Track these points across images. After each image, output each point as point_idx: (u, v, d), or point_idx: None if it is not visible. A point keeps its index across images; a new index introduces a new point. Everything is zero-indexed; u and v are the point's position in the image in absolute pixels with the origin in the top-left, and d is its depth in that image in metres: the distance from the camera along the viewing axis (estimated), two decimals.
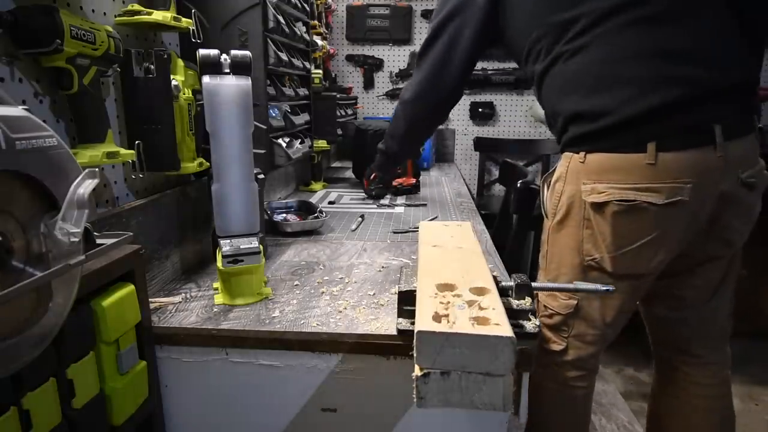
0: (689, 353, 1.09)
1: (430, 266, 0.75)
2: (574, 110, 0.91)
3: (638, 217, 0.87)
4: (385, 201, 1.72)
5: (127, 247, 0.66)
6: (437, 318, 0.57)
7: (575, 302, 0.97)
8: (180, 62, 0.93)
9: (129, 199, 0.90)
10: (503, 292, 0.71)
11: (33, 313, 0.45)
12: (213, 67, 0.81)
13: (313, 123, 1.64)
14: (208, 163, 0.99)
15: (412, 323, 0.66)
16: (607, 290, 0.72)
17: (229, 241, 0.85)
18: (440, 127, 2.82)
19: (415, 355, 0.54)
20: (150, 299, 0.77)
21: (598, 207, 0.89)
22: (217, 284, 0.91)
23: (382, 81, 2.86)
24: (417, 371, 0.54)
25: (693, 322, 1.06)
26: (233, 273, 0.84)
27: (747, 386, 2.02)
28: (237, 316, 0.81)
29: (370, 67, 2.82)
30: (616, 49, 0.86)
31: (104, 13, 0.82)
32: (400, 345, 0.73)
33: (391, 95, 2.85)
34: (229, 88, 0.81)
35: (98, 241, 0.53)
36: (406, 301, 0.73)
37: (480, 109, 2.81)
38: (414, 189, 1.85)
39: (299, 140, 1.48)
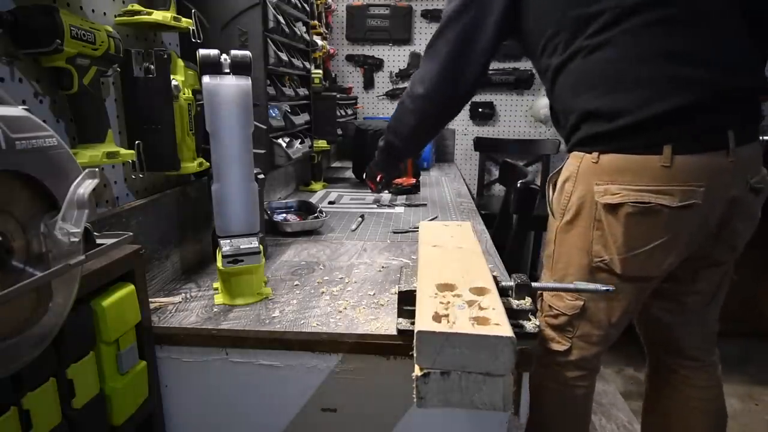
0: (686, 356, 1.09)
1: (430, 266, 0.75)
2: (589, 108, 0.89)
3: (651, 220, 0.86)
4: (385, 201, 1.72)
5: (127, 247, 0.66)
6: (437, 318, 0.57)
7: (582, 303, 0.97)
8: (180, 62, 0.93)
9: (129, 199, 0.90)
10: (503, 292, 0.71)
11: (33, 313, 0.45)
12: (213, 67, 0.81)
13: (313, 123, 1.65)
14: (208, 163, 0.99)
15: (412, 323, 0.66)
16: (608, 290, 0.72)
17: (229, 241, 0.85)
18: None
19: (415, 355, 0.54)
20: (150, 299, 0.77)
21: (611, 208, 0.88)
22: (217, 284, 0.91)
23: (382, 81, 2.86)
24: (417, 371, 0.54)
25: (691, 326, 1.07)
26: (233, 273, 0.84)
27: (747, 386, 2.02)
28: (237, 316, 0.81)
29: (370, 67, 2.82)
30: (638, 49, 0.85)
31: (104, 13, 0.82)
32: (400, 345, 0.73)
33: (391, 95, 2.85)
34: (229, 88, 0.81)
35: (98, 241, 0.53)
36: (406, 301, 0.73)
37: (480, 109, 2.81)
38: (414, 189, 1.85)
39: (299, 140, 1.48)
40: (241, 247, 0.83)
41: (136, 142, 0.86)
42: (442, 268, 0.73)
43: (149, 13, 0.85)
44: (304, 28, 1.52)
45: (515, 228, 1.50)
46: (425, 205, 1.67)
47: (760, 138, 0.92)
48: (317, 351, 0.75)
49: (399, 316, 0.74)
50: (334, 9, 2.62)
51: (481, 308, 0.59)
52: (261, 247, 0.86)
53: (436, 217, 1.49)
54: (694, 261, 0.96)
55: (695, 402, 1.09)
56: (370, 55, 2.81)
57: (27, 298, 0.44)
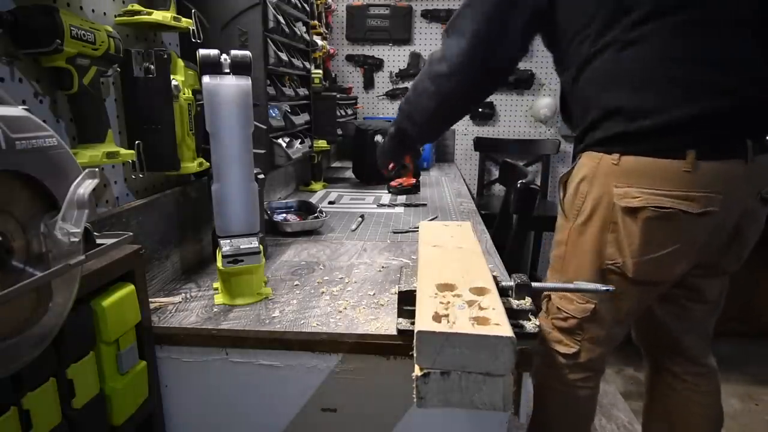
0: (689, 361, 1.09)
1: (430, 266, 0.75)
2: (615, 105, 0.87)
3: (670, 225, 0.85)
4: (385, 201, 1.72)
5: (127, 247, 0.66)
6: (437, 318, 0.57)
7: (593, 306, 0.95)
8: (180, 62, 0.93)
9: (129, 199, 0.90)
10: (503, 292, 0.71)
11: (33, 313, 0.45)
12: (213, 67, 0.81)
13: (313, 123, 1.64)
14: (208, 163, 0.99)
15: (412, 323, 0.66)
16: (608, 290, 0.72)
17: (229, 241, 0.85)
18: None
19: (415, 355, 0.54)
20: (150, 299, 0.77)
21: (630, 212, 0.86)
22: (217, 284, 0.91)
23: (382, 81, 2.86)
24: (417, 371, 0.54)
25: (693, 332, 1.07)
26: (233, 273, 0.84)
27: (747, 386, 2.02)
28: (237, 316, 0.81)
29: (370, 67, 2.82)
30: (672, 50, 0.83)
31: (104, 13, 0.82)
32: (400, 345, 0.73)
33: (391, 95, 2.85)
34: (229, 88, 0.81)
35: (98, 241, 0.53)
36: (406, 301, 0.73)
37: (480, 109, 2.81)
38: (414, 189, 1.85)
39: (299, 140, 1.48)
40: (241, 247, 0.83)
41: (136, 142, 0.86)
42: (442, 268, 0.73)
43: (149, 13, 0.85)
44: (304, 28, 1.52)
45: (515, 228, 1.50)
46: (425, 205, 1.67)
47: None
48: (317, 351, 0.75)
49: (399, 316, 0.74)
50: (334, 9, 2.62)
51: (481, 308, 0.59)
52: (261, 247, 0.86)
53: (436, 217, 1.49)
54: (702, 269, 0.95)
55: (697, 407, 1.10)
56: (370, 55, 2.81)
57: (27, 298, 0.44)
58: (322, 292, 0.91)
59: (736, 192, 0.84)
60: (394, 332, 0.74)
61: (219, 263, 0.83)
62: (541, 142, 2.80)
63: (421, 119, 1.16)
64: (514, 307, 0.71)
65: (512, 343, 0.52)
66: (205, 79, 0.81)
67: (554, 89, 2.75)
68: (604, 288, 0.72)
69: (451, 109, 1.16)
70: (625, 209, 0.87)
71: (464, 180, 2.35)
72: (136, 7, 0.85)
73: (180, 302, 0.86)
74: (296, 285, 0.95)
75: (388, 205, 1.66)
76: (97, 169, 0.48)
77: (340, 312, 0.83)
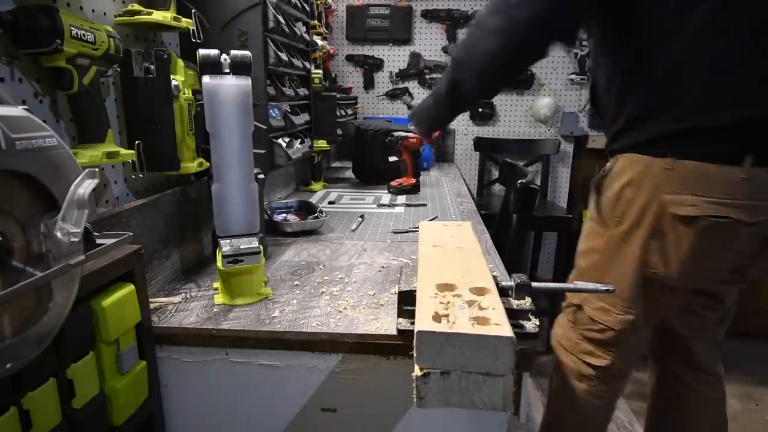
0: (700, 369, 1.08)
1: (430, 266, 0.75)
2: (667, 102, 0.81)
3: (723, 234, 0.81)
4: (385, 201, 1.72)
5: (127, 247, 0.66)
6: (437, 318, 0.57)
7: (632, 317, 0.91)
8: (180, 62, 0.93)
9: (129, 199, 0.90)
10: (503, 292, 0.71)
11: (33, 313, 0.45)
12: (213, 67, 0.81)
13: (313, 123, 1.64)
14: (208, 163, 0.99)
15: (412, 323, 0.66)
16: (607, 290, 0.72)
17: (229, 241, 0.85)
18: None
19: (415, 355, 0.54)
20: (150, 299, 0.77)
21: (685, 220, 0.81)
22: (217, 284, 0.91)
23: (382, 81, 2.86)
24: (417, 371, 0.54)
25: (708, 340, 1.06)
26: (233, 273, 0.84)
27: (747, 386, 2.02)
28: (237, 316, 0.81)
29: (370, 67, 2.82)
30: (744, 47, 0.77)
31: (104, 13, 0.82)
32: (400, 345, 0.73)
33: (391, 95, 2.85)
34: (229, 88, 0.81)
35: (98, 241, 0.53)
36: (406, 301, 0.73)
37: (480, 109, 2.81)
38: (414, 189, 1.85)
39: (299, 140, 1.48)
40: (241, 247, 0.83)
41: (136, 142, 0.86)
42: (442, 268, 0.73)
43: (149, 13, 0.85)
44: (304, 28, 1.52)
45: (515, 228, 1.50)
46: (425, 205, 1.67)
47: None
48: (317, 351, 0.75)
49: (399, 316, 0.74)
50: (334, 9, 2.62)
51: (481, 308, 0.59)
52: (261, 247, 0.86)
53: (436, 217, 1.49)
54: (729, 275, 0.92)
55: (703, 414, 1.09)
56: (370, 55, 2.81)
57: (27, 298, 0.44)
58: (322, 292, 0.91)
59: None
60: (394, 332, 0.74)
61: (219, 263, 0.83)
62: (541, 142, 2.80)
63: (482, 65, 0.96)
64: (514, 307, 0.71)
65: (512, 343, 0.52)
66: (205, 79, 0.81)
67: (554, 89, 2.75)
68: (604, 287, 0.72)
69: (519, 51, 0.95)
70: (679, 217, 0.82)
71: (464, 180, 2.35)
72: (136, 7, 0.85)
73: (180, 302, 0.86)
74: (296, 285, 0.95)
75: (388, 205, 1.66)
76: (97, 169, 0.48)
77: (340, 312, 0.83)
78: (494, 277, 0.70)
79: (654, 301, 0.92)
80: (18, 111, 0.41)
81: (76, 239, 0.46)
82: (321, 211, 1.37)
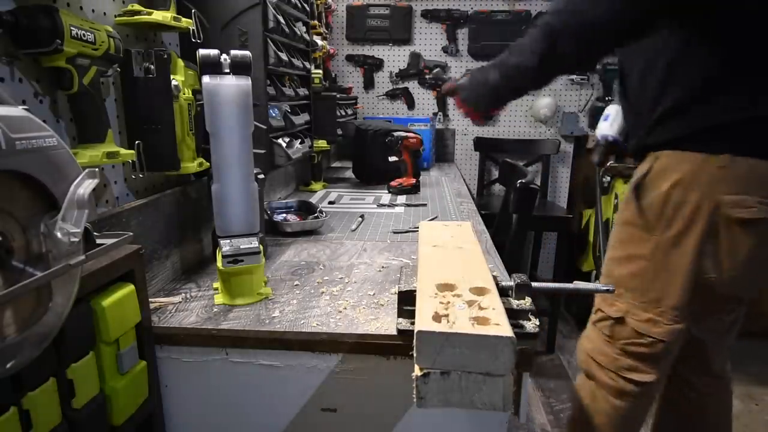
0: (711, 374, 1.06)
1: (430, 266, 0.75)
2: (726, 85, 0.73)
3: None
4: (385, 201, 1.72)
5: (127, 247, 0.66)
6: (437, 318, 0.57)
7: (681, 326, 0.85)
8: (180, 62, 0.93)
9: (129, 199, 0.90)
10: (503, 292, 0.71)
11: (33, 313, 0.45)
12: (213, 67, 0.81)
13: (313, 123, 1.64)
14: (208, 163, 0.99)
15: (412, 323, 0.66)
16: (608, 290, 0.71)
17: (229, 241, 0.85)
18: (439, 126, 2.85)
19: (415, 355, 0.54)
20: (150, 299, 0.77)
21: (744, 223, 0.76)
22: (217, 284, 0.91)
23: (382, 81, 2.86)
24: (417, 371, 0.54)
25: (721, 344, 1.05)
26: (233, 273, 0.84)
27: (747, 386, 2.02)
28: (237, 316, 0.81)
29: (370, 67, 2.82)
30: None
31: (104, 13, 0.82)
32: (400, 345, 0.73)
33: (391, 95, 2.85)
34: (229, 88, 0.81)
35: (98, 241, 0.53)
36: (406, 301, 0.73)
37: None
38: (414, 189, 1.85)
39: (299, 140, 1.48)
40: (241, 247, 0.83)
41: (136, 142, 0.86)
42: (442, 268, 0.73)
43: (149, 13, 0.85)
44: (304, 28, 1.52)
45: (515, 228, 1.50)
46: (425, 205, 1.67)
47: None
48: (317, 351, 0.75)
49: (399, 316, 0.74)
50: (334, 9, 2.62)
51: (481, 308, 0.59)
52: (261, 247, 0.86)
53: (436, 217, 1.49)
54: None
55: (710, 416, 1.08)
56: (370, 55, 2.81)
57: (27, 298, 0.44)
58: (322, 292, 0.91)
59: None
60: (394, 332, 0.74)
61: (219, 263, 0.83)
62: (541, 142, 2.80)
63: (578, 34, 0.80)
64: (514, 307, 0.71)
65: (512, 343, 0.52)
66: (205, 79, 0.81)
67: (554, 89, 2.75)
68: (605, 287, 0.71)
69: (604, 32, 0.79)
70: (737, 220, 0.77)
71: (464, 180, 2.35)
72: (136, 7, 0.85)
73: (180, 302, 0.86)
74: (296, 285, 0.95)
75: (388, 205, 1.66)
76: (97, 169, 0.48)
77: (340, 312, 0.83)
78: (494, 277, 0.70)
79: (700, 308, 0.87)
80: (18, 111, 0.41)
81: (76, 239, 0.46)
82: (321, 211, 1.37)
